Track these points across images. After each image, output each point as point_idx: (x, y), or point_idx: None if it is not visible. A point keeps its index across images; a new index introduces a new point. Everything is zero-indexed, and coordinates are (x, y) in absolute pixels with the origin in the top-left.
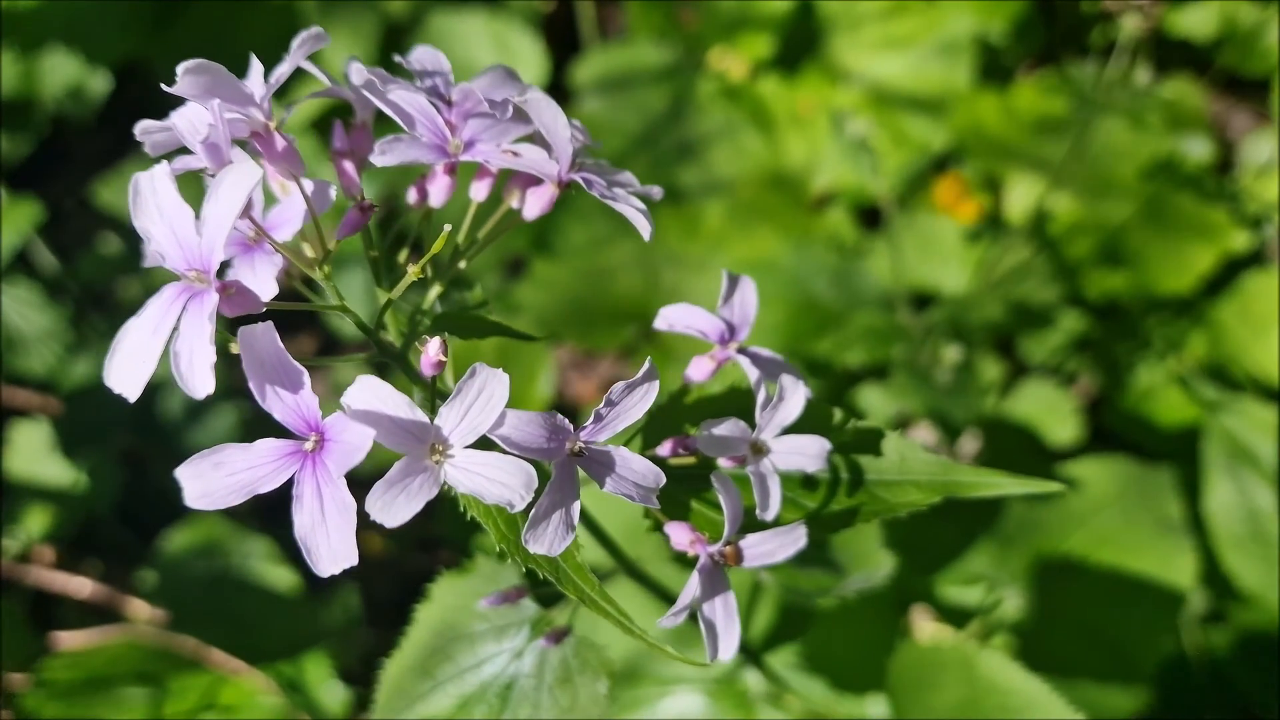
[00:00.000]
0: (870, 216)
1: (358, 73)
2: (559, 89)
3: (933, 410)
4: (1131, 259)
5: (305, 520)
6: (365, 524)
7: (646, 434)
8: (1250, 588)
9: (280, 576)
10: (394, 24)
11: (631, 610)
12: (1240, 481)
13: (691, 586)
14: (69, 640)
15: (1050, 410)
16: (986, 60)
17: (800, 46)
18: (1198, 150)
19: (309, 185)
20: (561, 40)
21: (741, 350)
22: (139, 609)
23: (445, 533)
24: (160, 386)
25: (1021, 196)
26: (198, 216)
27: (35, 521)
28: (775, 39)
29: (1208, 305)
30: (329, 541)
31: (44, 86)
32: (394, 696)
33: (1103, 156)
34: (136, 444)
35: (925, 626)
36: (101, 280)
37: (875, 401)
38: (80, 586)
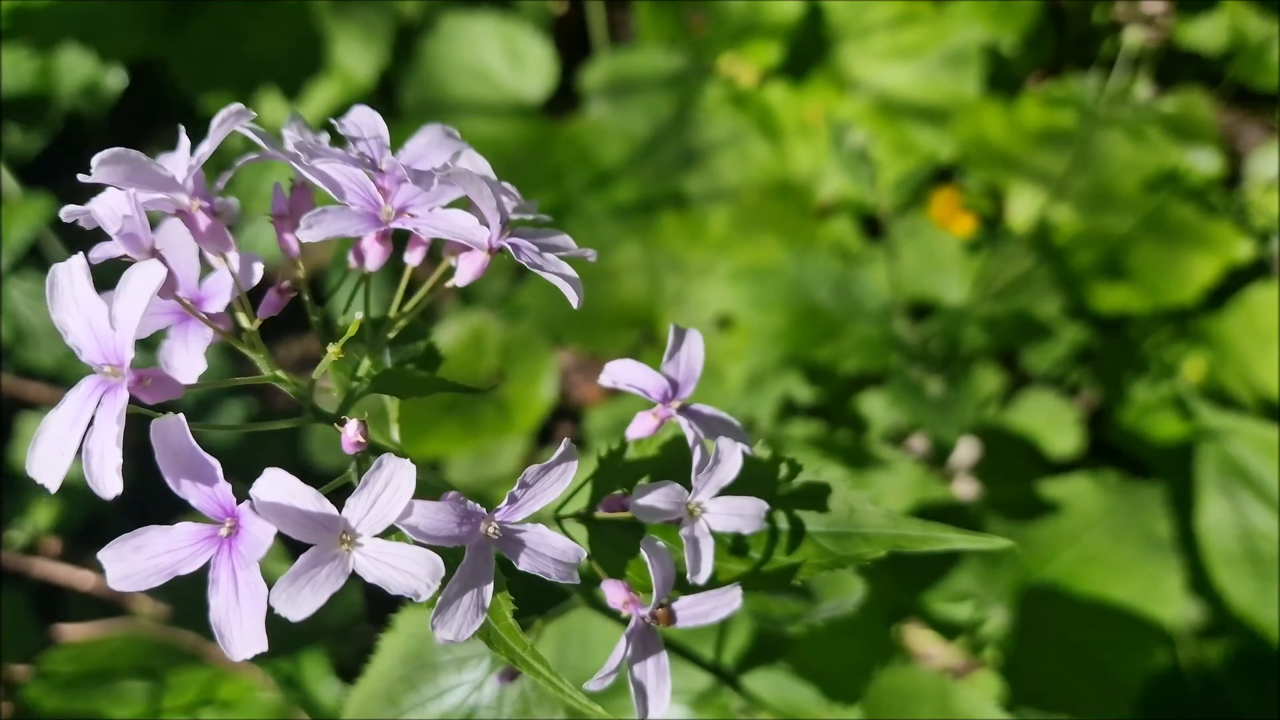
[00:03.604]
0: (875, 225)
1: (289, 140)
2: (568, 92)
3: (922, 422)
4: (1133, 271)
5: (220, 604)
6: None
7: (595, 487)
8: (1242, 605)
9: (281, 572)
10: (406, 25)
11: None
12: (1234, 499)
13: (621, 648)
14: (72, 633)
15: (1051, 421)
16: (996, 70)
17: (808, 55)
18: (1205, 163)
19: (235, 260)
20: (572, 43)
21: (684, 408)
22: (142, 603)
23: None
24: None
25: (1024, 208)
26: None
27: (42, 514)
28: (783, 47)
29: (1212, 319)
30: (242, 627)
31: (59, 84)
32: None
33: (1105, 169)
34: (143, 438)
35: (917, 639)
36: (110, 276)
37: (876, 408)
38: (84, 579)
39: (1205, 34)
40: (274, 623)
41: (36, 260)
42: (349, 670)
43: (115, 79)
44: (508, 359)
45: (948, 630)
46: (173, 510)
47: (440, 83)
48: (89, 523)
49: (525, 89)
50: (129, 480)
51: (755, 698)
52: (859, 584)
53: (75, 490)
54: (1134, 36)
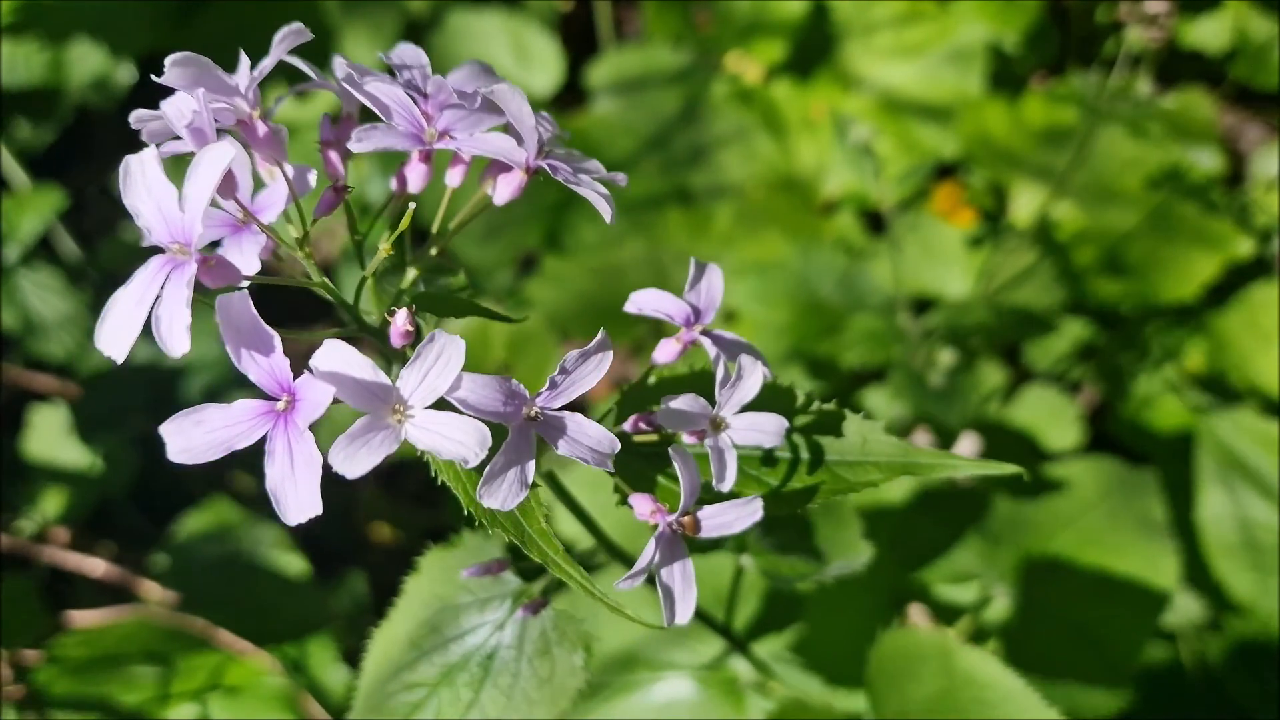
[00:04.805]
0: (878, 220)
1: (340, 67)
2: (575, 89)
3: (925, 413)
4: (1135, 268)
5: (276, 473)
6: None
7: (619, 412)
8: (1241, 596)
9: (290, 562)
10: (414, 21)
11: (621, 596)
12: (1233, 491)
13: (649, 552)
14: (82, 619)
15: (1052, 416)
16: (999, 69)
17: (814, 52)
18: (1206, 162)
19: (290, 170)
20: (579, 40)
21: (706, 332)
22: (151, 590)
23: (451, 523)
24: (177, 373)
25: (1027, 204)
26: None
27: (51, 503)
28: (789, 44)
29: (1213, 315)
30: (296, 492)
31: (69, 77)
32: (381, 664)
33: (1107, 166)
34: (152, 429)
35: (919, 621)
36: (121, 267)
37: (879, 403)
38: (94, 566)
39: (1208, 34)
40: (284, 613)
41: (46, 252)
42: (355, 661)
43: (125, 73)
44: (514, 351)
45: (950, 613)
46: (180, 503)
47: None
48: (98, 513)
49: (532, 85)
50: (137, 471)
51: (764, 666)
52: (867, 547)
53: (84, 480)
54: (1136, 36)
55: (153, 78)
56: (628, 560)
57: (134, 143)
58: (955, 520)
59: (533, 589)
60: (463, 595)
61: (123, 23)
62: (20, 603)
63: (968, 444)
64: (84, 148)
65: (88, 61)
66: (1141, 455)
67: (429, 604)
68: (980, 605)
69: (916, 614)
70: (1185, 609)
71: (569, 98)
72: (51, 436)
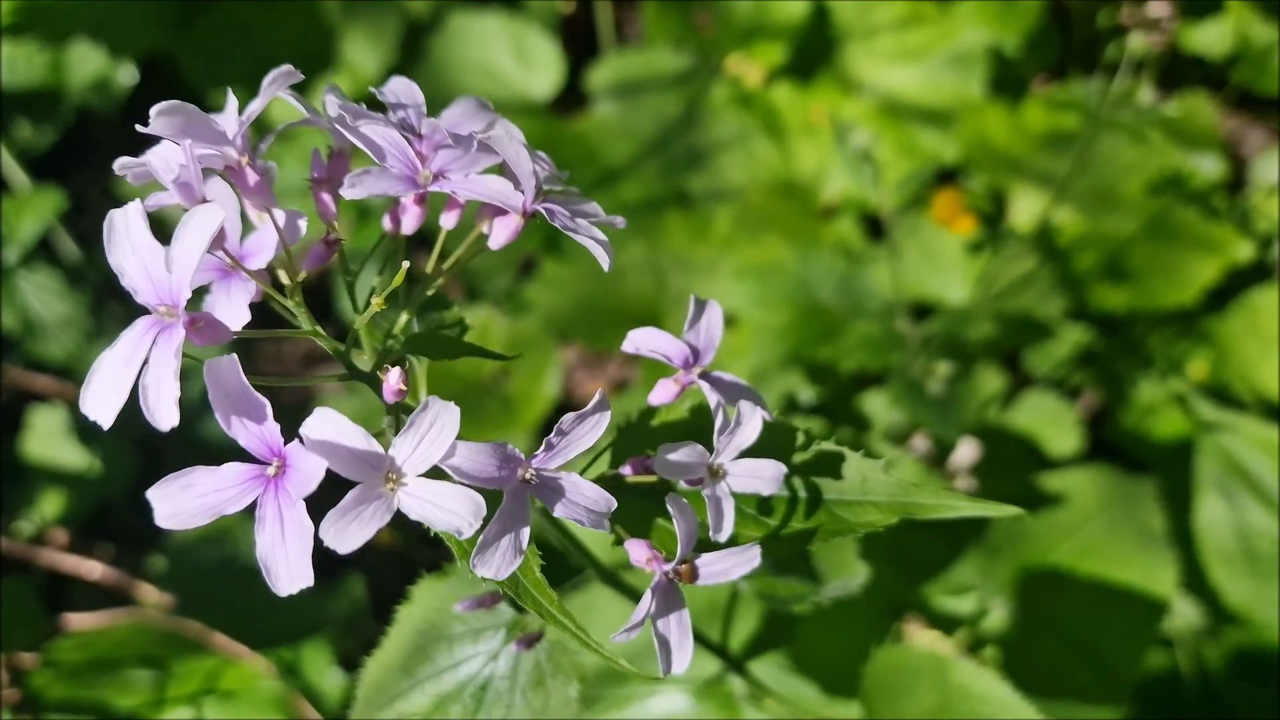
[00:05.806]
0: (878, 225)
1: (332, 105)
2: (575, 91)
3: (921, 420)
4: (1135, 273)
5: (266, 541)
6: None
7: (615, 451)
8: (1238, 604)
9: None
10: (415, 23)
11: (610, 616)
12: (1232, 498)
13: (646, 602)
14: (78, 622)
15: (1052, 422)
16: (1000, 73)
17: (815, 55)
18: (1208, 167)
19: (280, 216)
20: (580, 42)
21: (704, 374)
22: (148, 593)
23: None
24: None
25: (1027, 210)
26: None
27: (50, 504)
28: (789, 47)
29: (1215, 320)
30: (288, 562)
31: (70, 78)
32: (374, 693)
33: (1108, 171)
34: (151, 431)
35: (918, 634)
36: None
37: (878, 407)
38: (91, 569)
39: (1209, 39)
40: (281, 616)
41: (46, 254)
42: (352, 664)
43: (126, 74)
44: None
45: (947, 625)
46: None
47: (448, 81)
48: (96, 514)
49: (533, 87)
50: (136, 473)
51: (760, 684)
52: (863, 567)
53: (82, 482)
54: (1138, 40)
55: (138, 129)
56: (615, 580)
57: (134, 144)
58: (954, 533)
59: (526, 620)
60: (456, 625)
61: (123, 24)
62: (19, 605)
63: (967, 450)
64: (84, 149)
65: (88, 63)
66: (1141, 461)
67: (422, 632)
68: (978, 617)
69: (914, 627)
70: (1183, 616)
71: (570, 100)
72: (51, 438)
